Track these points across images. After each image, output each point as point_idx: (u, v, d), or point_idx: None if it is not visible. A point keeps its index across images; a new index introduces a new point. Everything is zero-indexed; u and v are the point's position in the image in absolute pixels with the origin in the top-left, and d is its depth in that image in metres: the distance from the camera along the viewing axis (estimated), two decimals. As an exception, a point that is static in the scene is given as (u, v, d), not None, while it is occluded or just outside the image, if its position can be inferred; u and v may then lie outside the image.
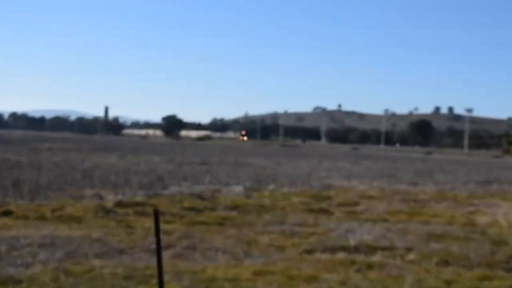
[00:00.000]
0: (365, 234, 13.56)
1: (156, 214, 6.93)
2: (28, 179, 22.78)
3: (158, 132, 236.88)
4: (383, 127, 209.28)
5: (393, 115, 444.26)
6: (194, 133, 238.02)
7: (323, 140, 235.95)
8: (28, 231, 12.49)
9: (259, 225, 14.73)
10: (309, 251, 11.77)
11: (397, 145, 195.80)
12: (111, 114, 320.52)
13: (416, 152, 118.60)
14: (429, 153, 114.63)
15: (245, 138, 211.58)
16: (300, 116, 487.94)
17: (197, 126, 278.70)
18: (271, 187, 24.04)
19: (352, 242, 12.49)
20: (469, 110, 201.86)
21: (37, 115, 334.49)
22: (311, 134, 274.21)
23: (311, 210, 18.07)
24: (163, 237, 11.63)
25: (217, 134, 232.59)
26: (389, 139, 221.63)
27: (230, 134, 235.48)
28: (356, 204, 20.08)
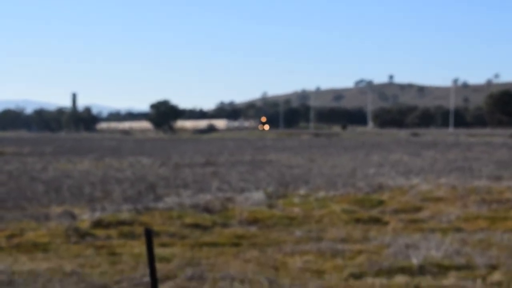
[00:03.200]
0: (432, 249, 13.58)
1: (149, 235, 7.04)
2: (-26, 196, 22.98)
3: (146, 125, 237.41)
4: (452, 103, 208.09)
5: (465, 86, 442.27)
6: (194, 124, 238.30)
7: (371, 125, 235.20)
8: (-22, 266, 12.63)
9: (288, 244, 14.81)
10: (357, 276, 11.83)
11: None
12: (81, 104, 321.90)
13: (499, 135, 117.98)
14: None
15: (267, 126, 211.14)
16: (337, 94, 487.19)
17: (198, 114, 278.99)
18: (302, 191, 24.07)
19: (415, 261, 12.52)
20: None
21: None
22: (354, 117, 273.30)
23: (358, 220, 18.11)
24: (159, 266, 11.75)
25: (225, 123, 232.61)
26: (460, 119, 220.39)
27: (244, 122, 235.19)
28: (418, 209, 20.07)
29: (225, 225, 17.35)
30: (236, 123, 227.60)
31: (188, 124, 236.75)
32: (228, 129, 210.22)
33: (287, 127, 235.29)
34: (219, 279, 11.61)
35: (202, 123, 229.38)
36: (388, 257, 13.25)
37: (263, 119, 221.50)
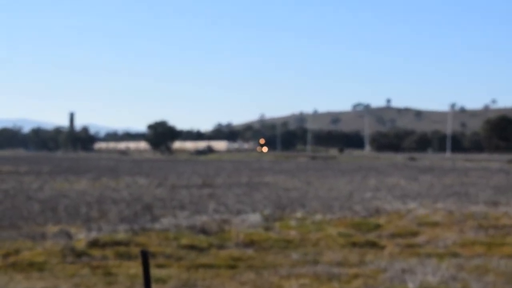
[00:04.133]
0: (428, 274, 13.58)
1: (145, 256, 7.03)
2: (-30, 214, 22.95)
3: (143, 145, 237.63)
4: (449, 128, 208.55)
5: (462, 111, 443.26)
6: (191, 145, 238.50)
7: (368, 148, 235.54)
8: (-27, 285, 12.62)
9: (284, 267, 14.79)
10: (353, 300, 11.81)
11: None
12: (78, 123, 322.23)
13: (496, 160, 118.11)
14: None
15: (265, 148, 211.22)
16: (335, 117, 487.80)
17: (196, 135, 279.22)
18: (298, 214, 24.07)
19: (411, 286, 12.51)
20: None
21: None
22: (351, 140, 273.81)
23: (354, 244, 18.09)
24: (155, 287, 11.73)
25: (225, 145, 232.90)
26: (457, 143, 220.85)
27: (244, 144, 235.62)
28: (415, 234, 20.05)
29: (221, 247, 17.33)
30: (236, 145, 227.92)
31: (186, 145, 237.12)
32: (228, 151, 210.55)
33: (285, 149, 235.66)
34: (215, 301, 11.59)
35: (202, 144, 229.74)
36: (384, 281, 13.24)
37: (262, 141, 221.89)
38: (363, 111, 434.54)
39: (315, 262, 15.32)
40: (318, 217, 23.41)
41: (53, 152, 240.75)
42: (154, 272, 13.36)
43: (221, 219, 22.33)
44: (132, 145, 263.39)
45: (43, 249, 16.14)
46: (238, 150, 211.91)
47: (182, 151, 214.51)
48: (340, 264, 15.18)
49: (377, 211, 25.38)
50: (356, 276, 13.80)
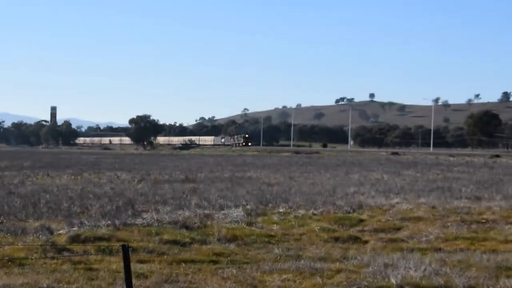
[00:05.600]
0: (411, 269, 13.60)
1: (126, 252, 7.01)
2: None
3: (126, 139, 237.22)
4: (433, 122, 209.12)
5: (446, 105, 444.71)
6: (174, 139, 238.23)
7: (351, 143, 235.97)
8: (-47, 280, 12.55)
9: (266, 262, 14.79)
10: (336, 295, 11.81)
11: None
12: (60, 117, 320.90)
13: (479, 155, 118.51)
14: (497, 156, 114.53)
15: (250, 143, 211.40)
16: (318, 112, 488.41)
17: (179, 130, 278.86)
18: (281, 209, 24.09)
19: (393, 280, 12.53)
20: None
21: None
22: (334, 135, 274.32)
23: (337, 239, 18.12)
24: (136, 282, 11.70)
25: (206, 139, 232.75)
26: (441, 138, 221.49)
27: (230, 139, 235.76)
28: (397, 229, 20.11)
29: (203, 242, 17.31)
30: (222, 140, 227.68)
31: (169, 139, 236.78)
32: (210, 146, 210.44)
33: (268, 144, 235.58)
34: (197, 296, 11.57)
35: (183, 139, 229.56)
36: (367, 276, 13.25)
37: (246, 136, 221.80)
38: (347, 105, 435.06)
39: (298, 257, 15.33)
40: (301, 212, 23.42)
41: (34, 147, 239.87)
42: (136, 267, 13.33)
43: (204, 214, 22.29)
44: (114, 139, 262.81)
45: (24, 245, 16.06)
46: (224, 145, 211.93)
47: (165, 145, 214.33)
48: (323, 259, 15.19)
49: (360, 206, 25.40)
50: (339, 271, 13.82)
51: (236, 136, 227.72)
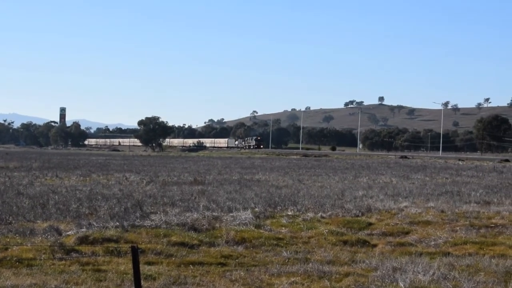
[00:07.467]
0: (419, 273, 13.59)
1: (136, 253, 7.02)
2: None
3: (135, 141, 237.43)
4: (442, 126, 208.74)
5: (455, 109, 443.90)
6: (183, 141, 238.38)
7: (360, 147, 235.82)
8: (-39, 280, 12.58)
9: (274, 265, 14.79)
10: (344, 299, 11.81)
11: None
12: (69, 119, 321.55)
13: (488, 160, 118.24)
14: (506, 160, 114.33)
15: (261, 145, 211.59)
16: (327, 115, 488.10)
17: (188, 132, 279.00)
18: (290, 212, 24.07)
19: (402, 284, 12.51)
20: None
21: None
22: (343, 138, 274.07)
23: (345, 243, 18.10)
24: (145, 284, 11.72)
25: (220, 141, 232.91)
26: (450, 142, 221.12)
27: (242, 141, 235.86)
28: (406, 233, 20.07)
29: (212, 244, 17.32)
30: (236, 142, 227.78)
31: (178, 141, 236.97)
32: (218, 148, 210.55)
33: (276, 146, 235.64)
34: (205, 299, 11.58)
35: (192, 141, 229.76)
36: (375, 280, 13.25)
37: (258, 138, 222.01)
38: (356, 109, 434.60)
39: (306, 260, 15.32)
40: (310, 215, 23.40)
41: (43, 148, 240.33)
42: (144, 269, 13.35)
43: (212, 216, 22.29)
44: (123, 141, 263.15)
45: (32, 245, 16.09)
46: (237, 147, 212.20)
47: (174, 147, 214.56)
48: (331, 262, 15.18)
49: (369, 210, 25.38)
50: (347, 274, 13.81)
51: (247, 138, 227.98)
